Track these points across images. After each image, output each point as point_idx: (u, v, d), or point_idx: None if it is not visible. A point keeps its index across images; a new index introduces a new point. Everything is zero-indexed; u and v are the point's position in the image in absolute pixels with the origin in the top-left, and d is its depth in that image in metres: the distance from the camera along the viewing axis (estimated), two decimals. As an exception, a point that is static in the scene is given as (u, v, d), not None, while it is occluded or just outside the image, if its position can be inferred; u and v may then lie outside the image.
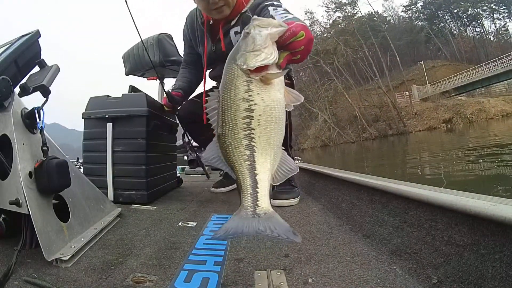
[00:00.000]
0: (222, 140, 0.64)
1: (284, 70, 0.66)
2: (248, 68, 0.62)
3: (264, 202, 0.62)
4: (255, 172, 0.63)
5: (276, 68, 0.65)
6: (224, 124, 0.64)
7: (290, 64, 0.73)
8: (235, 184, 1.84)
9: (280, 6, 1.18)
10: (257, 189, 0.62)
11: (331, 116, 29.16)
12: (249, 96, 0.62)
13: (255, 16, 0.66)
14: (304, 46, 0.69)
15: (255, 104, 0.62)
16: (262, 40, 0.62)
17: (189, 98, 1.60)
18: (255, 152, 0.63)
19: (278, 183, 0.66)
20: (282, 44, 0.67)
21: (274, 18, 0.93)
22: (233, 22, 1.33)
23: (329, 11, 36.35)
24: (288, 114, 1.30)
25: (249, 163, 0.63)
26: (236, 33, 1.33)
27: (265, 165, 0.63)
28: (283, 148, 0.66)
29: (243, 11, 1.29)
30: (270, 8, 1.15)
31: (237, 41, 0.77)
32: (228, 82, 0.63)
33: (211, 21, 1.34)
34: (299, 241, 0.60)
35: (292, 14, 1.05)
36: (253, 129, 0.62)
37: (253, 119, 0.62)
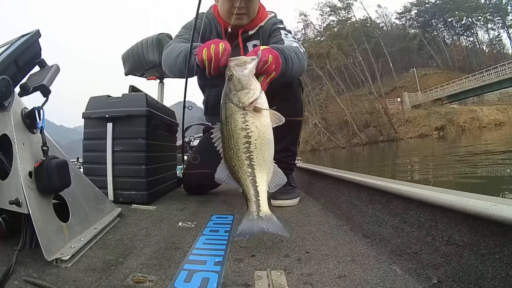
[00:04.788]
0: (228, 162, 0.81)
1: (271, 108, 0.82)
2: (244, 106, 0.78)
3: (265, 207, 0.79)
4: (256, 184, 0.79)
5: (264, 97, 0.81)
6: (229, 149, 0.79)
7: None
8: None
9: (290, 33, 1.32)
10: (258, 197, 0.78)
11: (321, 120, 29.02)
12: (246, 125, 0.78)
13: (231, 58, 0.82)
14: (274, 65, 0.86)
15: (251, 131, 0.78)
16: (246, 79, 0.78)
17: (197, 166, 1.52)
18: (255, 169, 0.79)
19: (273, 191, 0.84)
20: (259, 72, 0.83)
21: (283, 42, 1.21)
22: (251, 33, 1.36)
23: (323, 15, 36.27)
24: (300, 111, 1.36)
25: (251, 178, 0.79)
26: (254, 46, 1.36)
27: (263, 178, 0.80)
28: (274, 161, 0.83)
29: (260, 25, 1.37)
30: (282, 32, 1.29)
31: None
32: (228, 116, 0.79)
33: (230, 29, 1.35)
34: (287, 235, 0.79)
35: (297, 42, 1.23)
36: (252, 152, 0.78)
37: (251, 144, 0.78)
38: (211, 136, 0.86)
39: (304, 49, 1.17)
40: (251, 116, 0.78)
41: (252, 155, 0.78)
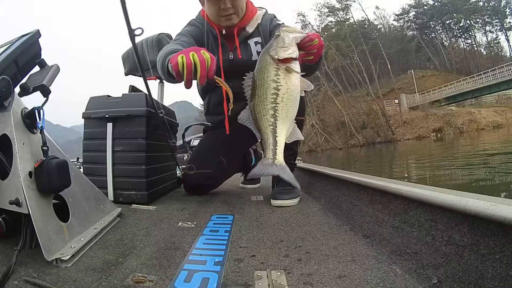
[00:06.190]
0: (254, 108, 0.87)
1: (301, 72, 0.88)
2: (279, 58, 0.84)
3: (280, 156, 0.86)
4: (276, 134, 0.85)
5: (298, 65, 0.87)
6: (257, 97, 0.86)
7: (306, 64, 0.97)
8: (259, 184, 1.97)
9: None
10: (276, 147, 0.85)
11: (318, 121, 28.93)
12: (277, 79, 0.84)
13: (283, 23, 0.97)
14: (316, 49, 0.90)
15: (281, 85, 0.84)
16: (289, 41, 0.85)
17: (197, 167, 1.47)
18: (277, 120, 0.85)
19: (289, 142, 0.90)
20: (301, 45, 0.88)
21: None
22: (250, 30, 1.36)
23: (321, 15, 36.32)
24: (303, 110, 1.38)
25: (272, 127, 0.85)
26: (256, 43, 1.36)
27: (283, 130, 0.86)
28: (295, 121, 0.89)
29: (258, 22, 1.37)
30: None
31: (257, 51, 1.30)
32: (262, 67, 0.85)
33: (224, 31, 1.34)
34: (298, 187, 0.97)
35: None
36: (278, 103, 0.84)
37: (278, 96, 0.84)
38: (243, 82, 0.90)
39: None
40: (283, 72, 0.84)
41: (277, 107, 0.84)
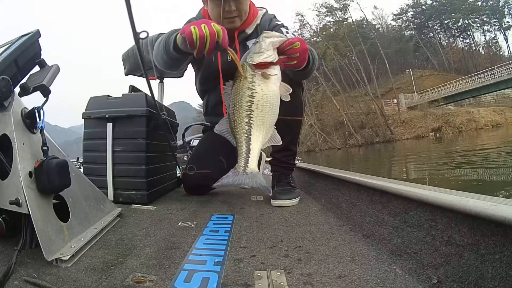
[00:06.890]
0: (231, 116, 0.86)
1: (280, 71, 0.87)
2: (253, 63, 0.83)
3: (253, 164, 0.84)
4: (250, 142, 0.84)
5: (276, 69, 0.86)
6: (233, 105, 0.85)
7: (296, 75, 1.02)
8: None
9: (288, 29, 1.34)
10: (249, 155, 0.84)
11: (316, 121, 28.91)
12: (252, 86, 0.83)
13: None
14: (299, 53, 0.88)
15: (256, 92, 0.83)
16: (265, 45, 0.84)
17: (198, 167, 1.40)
18: (252, 127, 0.84)
19: (264, 147, 0.90)
20: (282, 50, 0.86)
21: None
22: (249, 32, 1.35)
23: (320, 15, 36.37)
24: (300, 110, 1.37)
25: (246, 135, 0.84)
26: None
27: (258, 138, 0.85)
28: (275, 127, 0.88)
29: (257, 23, 1.36)
30: (283, 29, 1.31)
31: None
32: (238, 75, 0.85)
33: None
34: (270, 193, 0.96)
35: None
36: (252, 111, 0.83)
37: (253, 103, 0.83)
38: (223, 91, 0.91)
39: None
40: (259, 78, 0.83)
41: (251, 114, 0.83)
